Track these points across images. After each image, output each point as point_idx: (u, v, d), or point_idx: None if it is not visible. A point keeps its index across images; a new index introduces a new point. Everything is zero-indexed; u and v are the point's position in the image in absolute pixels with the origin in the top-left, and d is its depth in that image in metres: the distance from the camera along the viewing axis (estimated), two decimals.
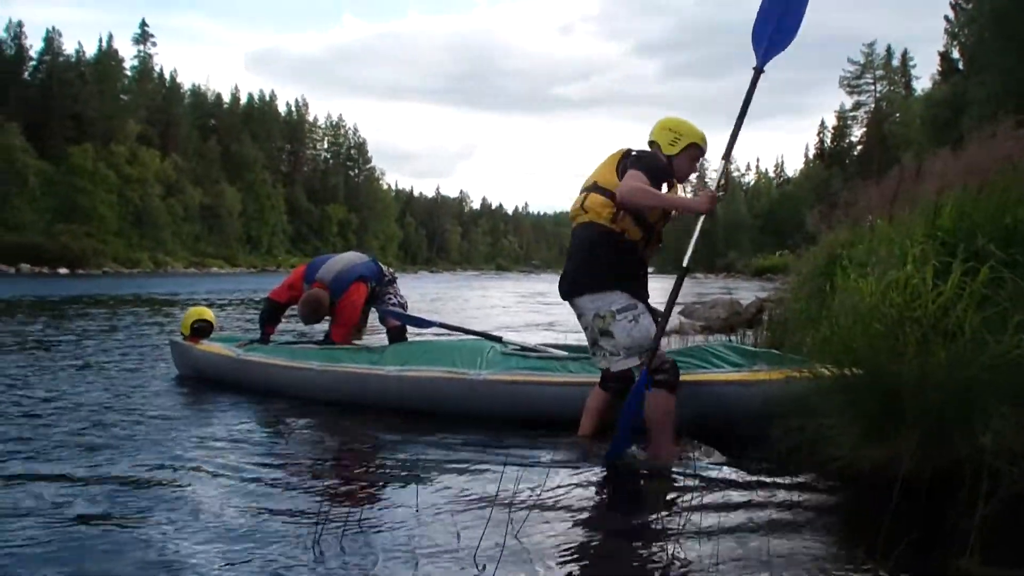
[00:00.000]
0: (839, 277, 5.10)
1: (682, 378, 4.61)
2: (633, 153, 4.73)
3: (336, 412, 5.94)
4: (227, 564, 3.01)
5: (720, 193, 4.59)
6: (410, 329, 7.24)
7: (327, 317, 7.15)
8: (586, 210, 4.71)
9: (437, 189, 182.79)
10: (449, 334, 7.16)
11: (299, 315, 7.08)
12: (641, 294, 4.71)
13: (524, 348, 6.04)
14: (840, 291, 4.82)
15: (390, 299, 7.31)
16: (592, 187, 4.75)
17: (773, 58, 4.60)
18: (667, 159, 4.75)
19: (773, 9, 4.51)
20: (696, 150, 4.82)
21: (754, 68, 4.62)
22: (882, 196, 7.34)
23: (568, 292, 4.81)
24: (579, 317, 4.85)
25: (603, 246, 4.65)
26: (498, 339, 6.32)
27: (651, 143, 4.85)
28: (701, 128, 4.85)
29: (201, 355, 7.36)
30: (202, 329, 7.61)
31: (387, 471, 4.50)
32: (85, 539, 3.26)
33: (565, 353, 5.68)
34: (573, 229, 4.88)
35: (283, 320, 7.61)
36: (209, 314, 7.82)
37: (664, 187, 4.72)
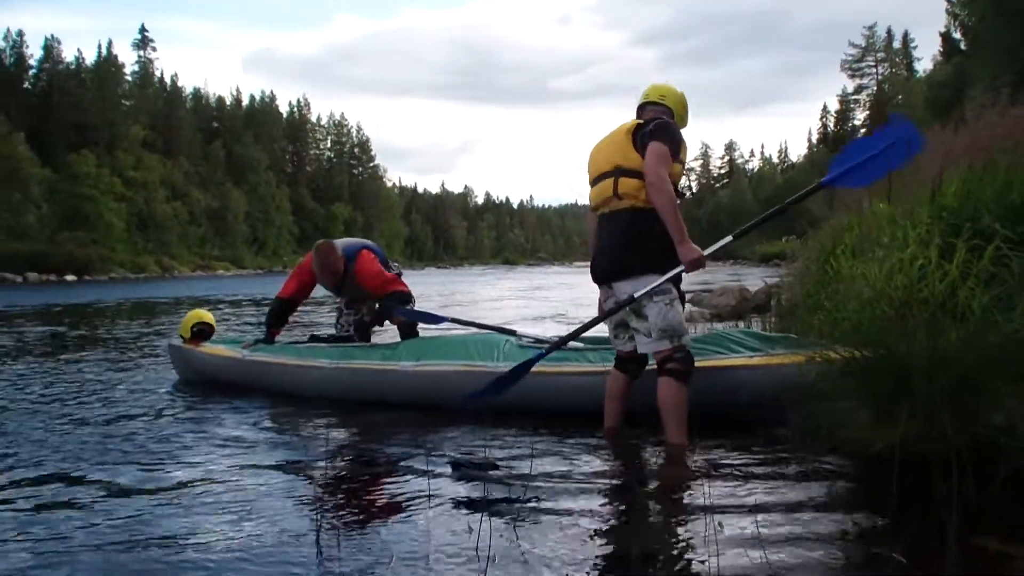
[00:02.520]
0: (841, 261, 5.09)
1: (700, 364, 4.66)
2: (651, 125, 4.60)
3: (346, 410, 5.91)
4: (226, 562, 3.02)
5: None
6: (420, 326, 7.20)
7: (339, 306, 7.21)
8: (621, 196, 4.62)
9: (442, 185, 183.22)
10: (461, 329, 7.03)
11: (316, 272, 6.97)
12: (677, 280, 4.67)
13: (539, 340, 5.97)
14: (843, 275, 4.81)
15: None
16: (618, 171, 4.65)
17: (838, 185, 4.69)
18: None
19: (868, 151, 4.47)
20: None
21: (819, 181, 4.67)
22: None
23: (607, 276, 4.76)
24: (607, 299, 4.85)
25: (646, 229, 4.56)
26: (512, 332, 6.26)
27: (656, 104, 4.86)
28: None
29: (204, 358, 7.27)
30: (202, 332, 7.52)
31: (396, 469, 4.47)
32: (86, 541, 3.28)
33: (582, 344, 5.62)
34: (607, 215, 4.75)
35: (287, 322, 7.50)
36: (209, 317, 7.72)
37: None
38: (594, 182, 4.82)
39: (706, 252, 4.52)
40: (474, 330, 6.69)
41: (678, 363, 4.51)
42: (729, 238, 4.77)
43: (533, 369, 5.10)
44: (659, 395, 4.52)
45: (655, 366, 4.64)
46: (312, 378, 6.36)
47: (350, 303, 7.26)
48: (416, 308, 7.25)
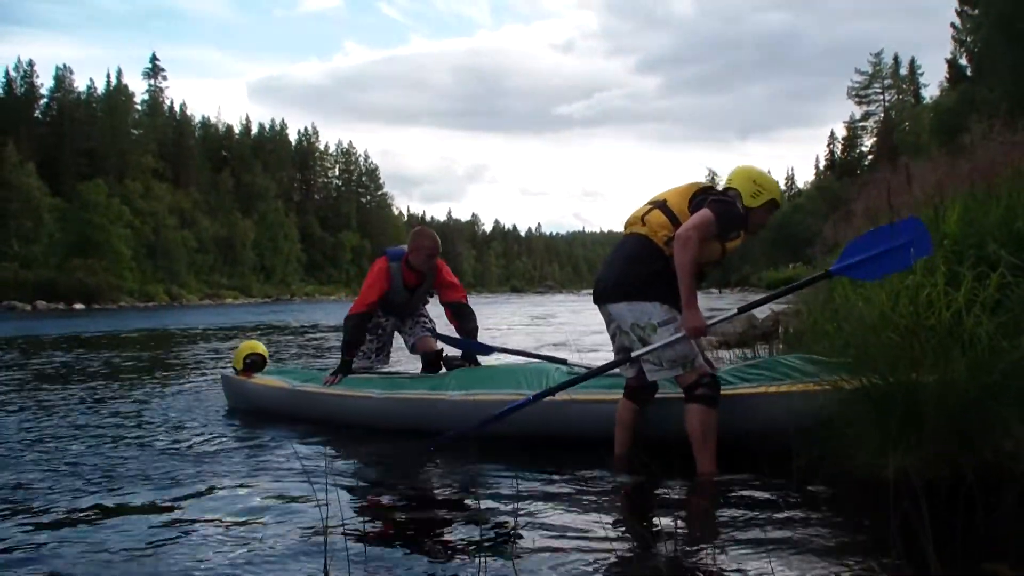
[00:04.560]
0: (843, 289, 5.10)
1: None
2: (713, 195, 4.65)
3: (390, 440, 5.87)
4: None
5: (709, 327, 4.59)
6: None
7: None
8: (645, 223, 4.70)
9: (449, 213, 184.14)
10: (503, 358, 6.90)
11: (416, 252, 6.76)
12: (678, 307, 4.62)
13: (589, 369, 5.77)
14: (846, 301, 4.81)
15: (425, 322, 7.18)
16: (660, 204, 4.73)
17: (845, 275, 4.62)
18: (745, 209, 4.67)
19: (878, 247, 4.33)
20: (773, 205, 4.76)
21: (827, 270, 4.62)
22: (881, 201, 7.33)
23: (605, 296, 4.78)
24: (608, 323, 4.86)
25: (649, 260, 4.63)
26: (562, 361, 6.13)
27: (729, 189, 4.76)
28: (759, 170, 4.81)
29: (255, 388, 7.26)
30: (255, 363, 7.50)
31: (402, 499, 4.51)
32: (119, 564, 3.34)
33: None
34: (625, 236, 4.87)
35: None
36: (262, 348, 7.68)
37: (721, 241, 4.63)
38: (642, 205, 4.88)
39: (709, 323, 4.56)
40: (523, 359, 6.55)
41: (706, 388, 4.52)
42: (735, 310, 4.82)
43: (584, 398, 5.15)
44: (688, 422, 4.52)
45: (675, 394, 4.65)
46: (360, 408, 6.29)
47: (374, 327, 7.07)
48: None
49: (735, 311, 4.81)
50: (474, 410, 5.53)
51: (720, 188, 4.86)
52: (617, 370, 5.02)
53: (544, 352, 7.16)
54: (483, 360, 6.85)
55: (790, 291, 5.14)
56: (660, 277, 4.57)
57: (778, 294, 5.12)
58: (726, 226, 4.55)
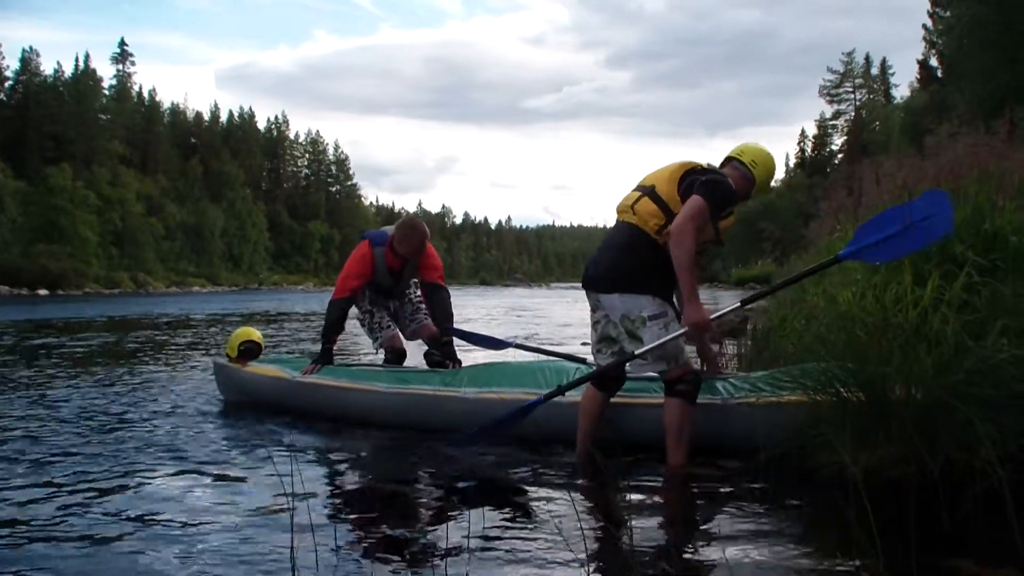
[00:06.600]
0: (812, 286, 5.10)
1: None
2: (703, 176, 4.53)
3: (364, 431, 5.80)
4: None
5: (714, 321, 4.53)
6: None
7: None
8: (635, 212, 4.62)
9: (419, 204, 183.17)
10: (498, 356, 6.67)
11: (406, 242, 6.51)
12: (671, 300, 4.64)
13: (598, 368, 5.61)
14: (816, 296, 4.82)
15: (423, 307, 6.96)
16: (649, 191, 4.64)
17: (858, 259, 4.45)
18: (747, 191, 4.68)
19: (891, 227, 4.13)
20: (751, 184, 4.73)
21: (836, 256, 4.45)
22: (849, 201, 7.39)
23: (596, 285, 4.73)
24: (595, 310, 4.81)
25: (642, 251, 4.58)
26: (581, 360, 5.82)
27: (751, 163, 4.70)
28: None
29: (251, 378, 6.91)
30: (249, 350, 7.16)
31: (377, 491, 4.52)
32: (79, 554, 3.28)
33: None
34: (617, 223, 4.79)
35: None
36: (256, 335, 7.36)
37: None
38: (631, 191, 4.81)
39: (712, 317, 4.51)
40: (541, 357, 6.28)
41: (688, 385, 4.50)
42: (737, 304, 4.73)
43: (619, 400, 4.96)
44: (667, 415, 4.51)
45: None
46: (366, 403, 6.00)
47: (378, 308, 6.95)
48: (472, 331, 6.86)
49: (738, 304, 4.72)
50: (489, 410, 5.29)
51: (728, 156, 4.81)
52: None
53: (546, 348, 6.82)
54: (496, 356, 6.68)
55: (795, 281, 5.01)
56: (652, 268, 4.54)
57: (781, 285, 5.10)
58: (718, 207, 4.49)
